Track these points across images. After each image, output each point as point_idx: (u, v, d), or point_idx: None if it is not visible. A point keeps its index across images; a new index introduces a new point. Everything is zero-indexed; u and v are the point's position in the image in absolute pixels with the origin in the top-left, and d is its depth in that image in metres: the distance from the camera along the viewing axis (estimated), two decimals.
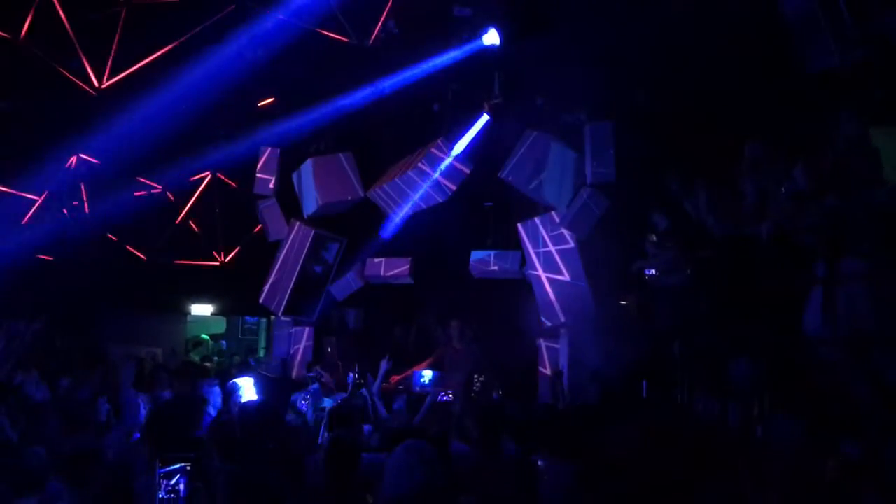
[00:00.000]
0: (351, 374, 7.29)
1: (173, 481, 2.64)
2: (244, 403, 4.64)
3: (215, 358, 12.61)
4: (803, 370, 5.92)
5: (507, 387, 8.25)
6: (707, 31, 7.02)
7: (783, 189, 6.27)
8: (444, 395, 7.29)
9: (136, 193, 11.44)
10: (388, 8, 8.15)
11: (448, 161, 9.29)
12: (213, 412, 5.99)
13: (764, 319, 6.51)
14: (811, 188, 5.92)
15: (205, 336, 13.59)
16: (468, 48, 8.68)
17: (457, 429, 5.10)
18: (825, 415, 4.66)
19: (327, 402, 6.85)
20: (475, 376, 7.84)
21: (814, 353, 5.85)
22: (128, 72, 8.93)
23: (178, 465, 2.64)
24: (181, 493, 2.64)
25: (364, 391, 6.32)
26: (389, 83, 9.26)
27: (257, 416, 4.00)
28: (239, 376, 6.50)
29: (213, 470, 3.57)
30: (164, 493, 2.62)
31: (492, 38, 8.42)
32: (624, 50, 7.29)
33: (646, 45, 7.11)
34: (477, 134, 9.30)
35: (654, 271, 8.07)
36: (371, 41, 8.40)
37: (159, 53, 8.68)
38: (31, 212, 11.18)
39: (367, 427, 5.78)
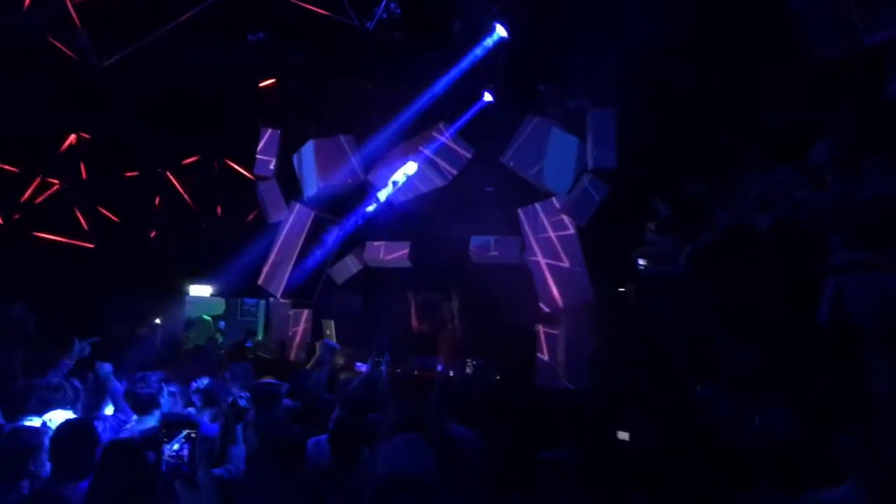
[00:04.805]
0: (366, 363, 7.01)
1: (176, 447, 2.70)
2: None
3: (219, 338, 12.39)
4: (804, 360, 5.90)
5: (504, 372, 8.28)
6: (712, 19, 6.98)
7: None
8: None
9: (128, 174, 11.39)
10: None
11: (449, 145, 9.28)
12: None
13: (764, 309, 6.50)
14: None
15: (206, 317, 13.36)
16: (473, 55, 8.64)
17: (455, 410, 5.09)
18: (824, 406, 4.66)
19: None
20: (468, 360, 7.83)
21: (820, 342, 5.80)
22: (129, 50, 8.84)
23: (181, 433, 2.70)
24: (185, 458, 2.70)
25: (383, 368, 6.10)
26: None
27: None
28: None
29: None
30: (168, 457, 2.69)
31: (499, 33, 8.37)
32: (628, 37, 7.25)
33: (650, 32, 7.07)
34: (479, 118, 9.28)
35: (652, 261, 8.06)
36: (373, 24, 8.32)
37: (160, 31, 8.58)
38: (30, 191, 11.18)
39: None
